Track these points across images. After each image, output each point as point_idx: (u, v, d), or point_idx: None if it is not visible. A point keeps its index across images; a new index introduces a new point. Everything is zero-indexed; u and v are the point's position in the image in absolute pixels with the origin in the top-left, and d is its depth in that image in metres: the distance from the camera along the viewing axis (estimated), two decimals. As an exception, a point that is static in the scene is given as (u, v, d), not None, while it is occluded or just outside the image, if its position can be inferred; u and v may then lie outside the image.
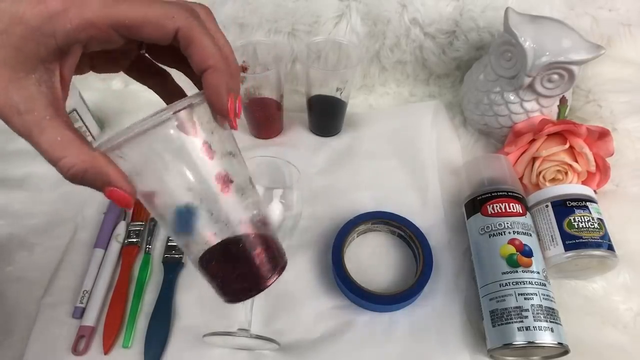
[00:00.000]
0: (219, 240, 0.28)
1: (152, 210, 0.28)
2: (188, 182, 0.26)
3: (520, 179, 0.53)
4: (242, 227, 0.29)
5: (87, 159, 0.24)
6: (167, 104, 0.28)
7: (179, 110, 0.25)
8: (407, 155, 0.58)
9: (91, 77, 0.72)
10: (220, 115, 0.26)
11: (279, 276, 0.31)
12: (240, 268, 0.30)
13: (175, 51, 0.26)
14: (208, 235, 0.28)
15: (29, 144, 0.25)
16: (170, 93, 0.31)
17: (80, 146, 0.24)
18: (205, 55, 0.25)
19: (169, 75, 0.31)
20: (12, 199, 0.53)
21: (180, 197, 0.27)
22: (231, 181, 0.28)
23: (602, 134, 0.51)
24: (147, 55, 0.30)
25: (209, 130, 0.26)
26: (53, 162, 0.24)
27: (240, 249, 0.29)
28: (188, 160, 0.26)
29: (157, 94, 0.31)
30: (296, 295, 0.46)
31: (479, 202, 0.47)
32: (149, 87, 0.31)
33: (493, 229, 0.44)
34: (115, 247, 0.49)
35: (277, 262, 0.31)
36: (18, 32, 0.22)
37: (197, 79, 0.27)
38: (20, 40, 0.22)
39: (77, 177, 0.24)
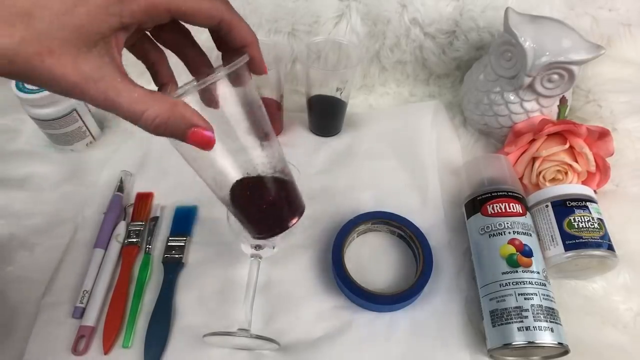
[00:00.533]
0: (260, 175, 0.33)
1: (203, 161, 0.31)
2: (258, 124, 0.32)
3: (520, 179, 0.53)
4: (278, 169, 0.34)
5: (168, 107, 0.26)
6: (156, 82, 0.33)
7: (241, 63, 0.29)
8: (407, 155, 0.58)
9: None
10: (261, 74, 0.32)
11: (299, 219, 0.35)
12: (269, 204, 0.35)
13: (173, 34, 0.31)
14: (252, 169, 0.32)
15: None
16: (165, 70, 0.33)
17: (158, 98, 0.26)
18: (246, 36, 0.30)
19: (164, 53, 0.33)
20: (12, 199, 0.53)
21: (247, 137, 0.31)
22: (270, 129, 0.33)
23: (602, 134, 0.51)
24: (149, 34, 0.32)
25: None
26: (136, 117, 0.26)
27: (273, 187, 0.34)
28: (255, 104, 0.32)
29: (150, 70, 0.33)
30: (296, 295, 0.46)
31: (479, 202, 0.47)
32: (146, 63, 0.33)
33: (493, 229, 0.44)
34: (115, 247, 0.49)
35: (299, 206, 0.36)
36: (82, 11, 0.23)
37: (185, 58, 0.33)
38: (84, 19, 0.24)
39: (161, 127, 0.26)
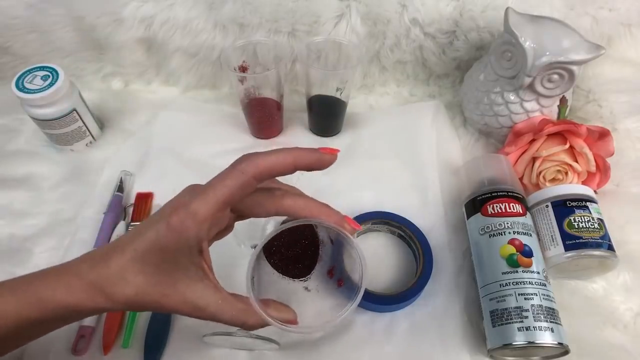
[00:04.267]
0: None
1: None
2: None
3: (520, 179, 0.53)
4: None
5: (259, 320, 0.30)
6: None
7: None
8: (407, 155, 0.58)
9: (91, 77, 0.72)
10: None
11: None
12: None
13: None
14: None
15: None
16: None
17: (250, 310, 0.30)
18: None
19: None
20: (12, 199, 0.53)
21: None
22: None
23: (602, 134, 0.51)
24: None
25: None
26: (238, 325, 0.31)
27: None
28: None
29: None
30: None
31: (479, 202, 0.47)
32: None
33: (493, 229, 0.44)
34: (115, 247, 0.49)
35: None
36: (160, 256, 0.29)
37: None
38: (167, 260, 0.29)
39: (255, 329, 0.32)
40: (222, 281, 0.46)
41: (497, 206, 0.45)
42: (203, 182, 0.58)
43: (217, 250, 0.48)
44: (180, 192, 0.31)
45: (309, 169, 0.32)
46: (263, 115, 0.58)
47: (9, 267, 0.48)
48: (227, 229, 0.35)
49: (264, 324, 0.31)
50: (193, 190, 0.30)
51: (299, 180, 0.47)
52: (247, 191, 0.30)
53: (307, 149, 0.31)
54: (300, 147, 0.31)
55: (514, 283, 0.41)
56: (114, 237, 0.49)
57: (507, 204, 0.45)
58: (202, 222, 0.29)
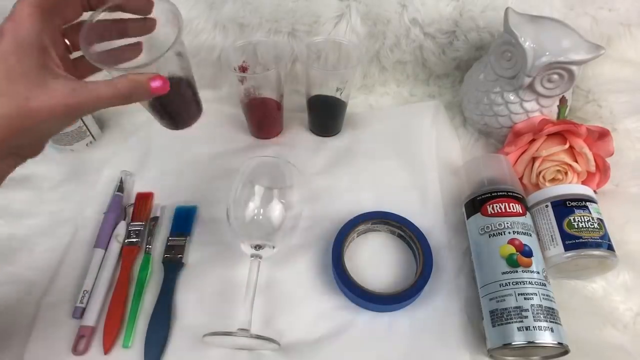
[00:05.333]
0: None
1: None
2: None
3: (520, 179, 0.53)
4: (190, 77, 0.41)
5: (120, 84, 0.32)
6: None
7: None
8: (407, 155, 0.58)
9: (91, 77, 0.72)
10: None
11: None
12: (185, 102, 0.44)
13: None
14: None
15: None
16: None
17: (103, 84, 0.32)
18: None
19: None
20: (12, 199, 0.53)
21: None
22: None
23: (602, 134, 0.51)
24: None
25: None
26: (113, 99, 0.32)
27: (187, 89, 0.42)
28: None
29: None
30: (296, 295, 0.46)
31: (478, 202, 0.47)
32: None
33: (493, 229, 0.44)
34: (115, 247, 0.49)
35: (200, 106, 0.45)
36: (14, 60, 0.29)
37: None
38: (13, 69, 0.29)
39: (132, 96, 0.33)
40: (221, 281, 0.47)
41: (497, 206, 0.45)
42: (203, 182, 0.59)
43: (217, 250, 0.49)
44: None
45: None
46: (263, 115, 0.58)
47: (9, 267, 0.48)
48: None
49: (127, 85, 0.32)
50: None
51: (298, 180, 0.47)
52: None
53: None
54: None
55: (514, 283, 0.41)
56: (114, 237, 0.50)
57: (507, 204, 0.45)
58: (33, 11, 0.30)
